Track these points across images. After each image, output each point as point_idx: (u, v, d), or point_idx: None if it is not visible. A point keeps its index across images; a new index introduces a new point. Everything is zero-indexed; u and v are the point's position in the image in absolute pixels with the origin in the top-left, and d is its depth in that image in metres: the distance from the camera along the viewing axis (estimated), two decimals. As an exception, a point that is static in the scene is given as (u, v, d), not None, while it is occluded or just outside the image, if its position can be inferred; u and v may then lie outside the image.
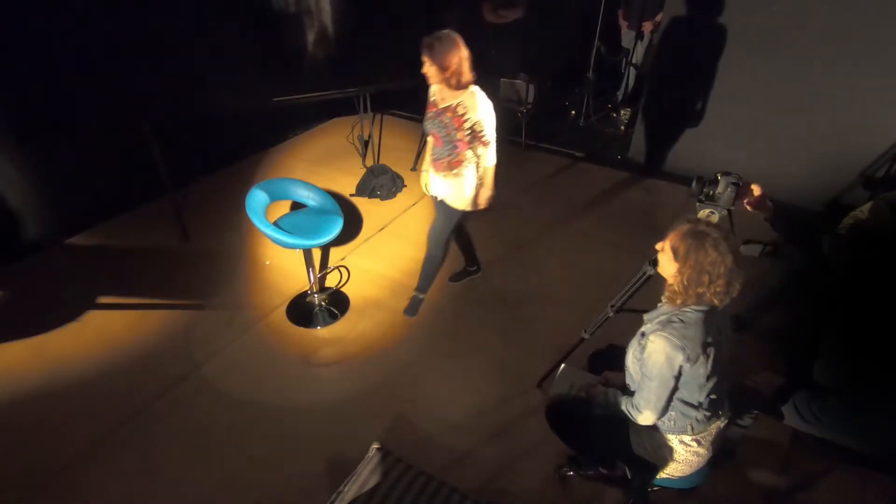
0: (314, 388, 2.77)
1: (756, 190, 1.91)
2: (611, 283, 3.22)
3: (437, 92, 2.67)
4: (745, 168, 2.39)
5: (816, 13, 3.60)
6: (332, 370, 2.89)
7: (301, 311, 3.22)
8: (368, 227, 4.00)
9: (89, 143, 3.73)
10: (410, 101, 5.30)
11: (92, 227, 3.87)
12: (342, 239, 3.51)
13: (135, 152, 3.74)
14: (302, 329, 3.11)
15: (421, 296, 3.22)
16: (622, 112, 5.64)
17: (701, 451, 1.80)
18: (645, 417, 1.77)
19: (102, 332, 3.04)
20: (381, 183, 4.32)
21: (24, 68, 3.34)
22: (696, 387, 1.69)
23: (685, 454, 1.80)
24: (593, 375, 2.19)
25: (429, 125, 2.72)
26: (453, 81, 2.51)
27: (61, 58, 3.45)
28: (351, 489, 1.80)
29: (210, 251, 3.70)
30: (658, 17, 5.06)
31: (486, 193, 2.82)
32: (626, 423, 1.87)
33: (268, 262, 3.62)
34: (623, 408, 1.85)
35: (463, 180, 2.73)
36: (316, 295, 3.20)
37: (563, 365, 2.26)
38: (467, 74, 2.52)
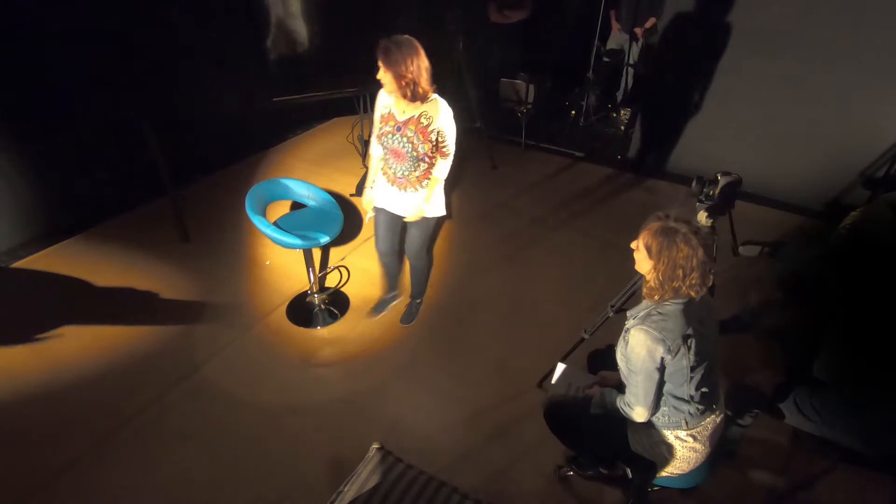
0: (314, 388, 2.77)
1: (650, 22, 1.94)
2: (611, 282, 3.21)
3: (393, 103, 2.46)
4: (745, 168, 2.39)
5: (817, 13, 3.60)
6: (332, 370, 2.89)
7: (301, 311, 3.22)
8: (368, 227, 4.00)
9: (89, 143, 3.73)
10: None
11: (92, 227, 3.87)
12: (342, 239, 3.51)
13: (135, 152, 3.75)
14: (302, 329, 3.11)
15: (418, 300, 3.21)
16: (622, 112, 5.64)
17: (698, 446, 1.81)
18: (638, 413, 1.79)
19: (102, 332, 3.04)
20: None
21: (24, 68, 3.34)
22: (683, 379, 1.72)
23: (682, 450, 1.81)
24: (591, 375, 2.20)
25: (388, 141, 2.49)
26: (409, 92, 2.32)
27: (61, 57, 3.45)
28: (351, 489, 1.80)
29: (210, 251, 3.70)
30: (649, 24, 5.07)
31: (423, 206, 2.61)
32: (623, 422, 1.88)
33: (268, 262, 3.62)
34: (618, 406, 1.86)
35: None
36: (316, 295, 3.20)
37: (561, 365, 2.26)
38: (426, 84, 2.33)
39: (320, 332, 3.11)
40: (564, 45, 6.02)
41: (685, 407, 1.77)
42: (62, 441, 2.45)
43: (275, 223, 2.89)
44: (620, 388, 1.92)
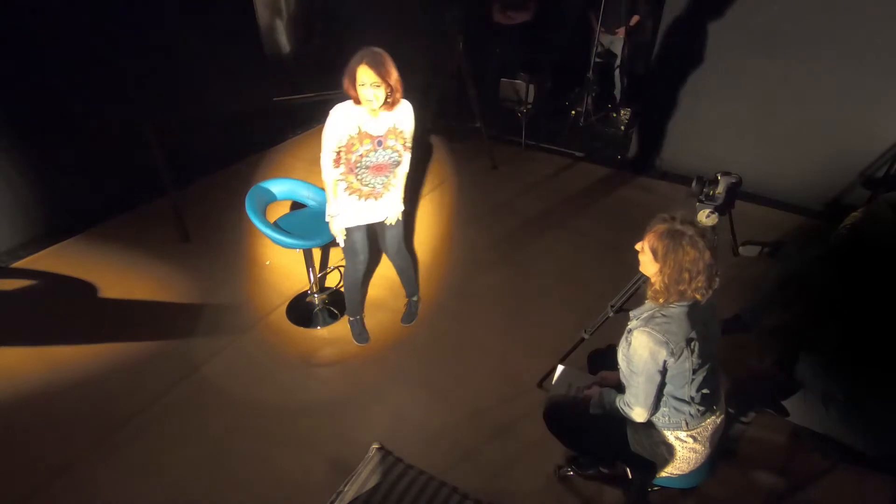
0: (314, 388, 2.77)
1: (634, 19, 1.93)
2: (610, 282, 3.21)
3: (364, 121, 2.34)
4: (745, 168, 2.39)
5: (817, 13, 3.60)
6: (332, 370, 2.89)
7: (301, 311, 3.22)
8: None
9: (89, 143, 3.73)
10: (410, 102, 5.30)
11: (92, 227, 3.87)
12: (342, 239, 3.50)
13: (135, 152, 3.75)
14: (302, 329, 3.11)
15: (415, 298, 3.19)
16: (622, 112, 5.64)
17: (698, 447, 1.81)
18: (637, 414, 1.78)
19: (102, 331, 3.04)
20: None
21: (25, 68, 3.34)
22: (684, 381, 1.71)
23: (682, 451, 1.81)
24: (591, 376, 2.20)
25: (370, 160, 2.40)
26: (391, 100, 2.29)
27: (61, 57, 3.45)
28: (351, 489, 1.79)
29: (210, 251, 3.70)
30: (633, 21, 5.07)
31: (400, 205, 2.66)
32: (623, 422, 1.87)
33: (268, 262, 3.62)
34: (618, 405, 1.86)
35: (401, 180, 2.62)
36: (316, 295, 3.20)
37: (560, 366, 2.26)
38: (401, 90, 2.31)
39: (320, 332, 3.11)
40: (564, 45, 6.03)
41: (686, 408, 1.76)
42: (62, 441, 2.45)
43: (275, 223, 2.89)
44: (620, 388, 1.92)
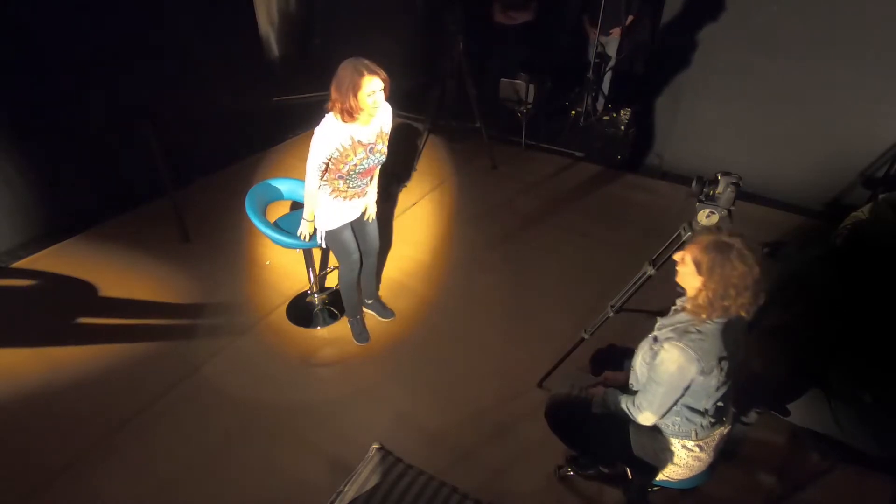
0: (314, 388, 2.77)
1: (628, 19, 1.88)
2: (611, 283, 3.21)
3: (357, 131, 2.36)
4: (745, 168, 2.38)
5: (816, 13, 3.60)
6: (332, 370, 2.89)
7: (301, 311, 3.22)
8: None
9: (89, 143, 3.73)
10: (410, 101, 5.31)
11: (92, 227, 3.87)
12: (342, 239, 3.50)
13: (135, 152, 3.74)
14: (302, 329, 3.11)
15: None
16: (622, 112, 5.64)
17: (703, 456, 1.80)
18: (645, 417, 1.77)
19: (102, 332, 3.04)
20: (381, 183, 4.32)
21: (24, 68, 3.34)
22: (704, 395, 1.68)
23: (687, 458, 1.80)
24: (594, 377, 2.19)
25: (363, 166, 2.43)
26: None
27: (61, 57, 3.44)
28: (351, 489, 1.79)
29: (210, 251, 3.70)
30: (627, 21, 5.07)
31: (376, 195, 2.78)
32: (626, 423, 1.86)
33: (268, 262, 3.62)
34: (623, 406, 1.84)
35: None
36: (316, 295, 3.20)
37: (562, 365, 2.26)
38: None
39: (320, 332, 3.11)
40: (565, 46, 6.02)
41: (698, 419, 1.74)
42: (62, 441, 2.45)
43: (275, 223, 2.89)
44: (625, 388, 1.91)
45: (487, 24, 5.53)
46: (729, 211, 2.04)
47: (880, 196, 3.21)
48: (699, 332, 1.61)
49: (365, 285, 3.06)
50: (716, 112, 4.24)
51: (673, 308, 1.84)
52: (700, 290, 1.60)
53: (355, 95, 2.21)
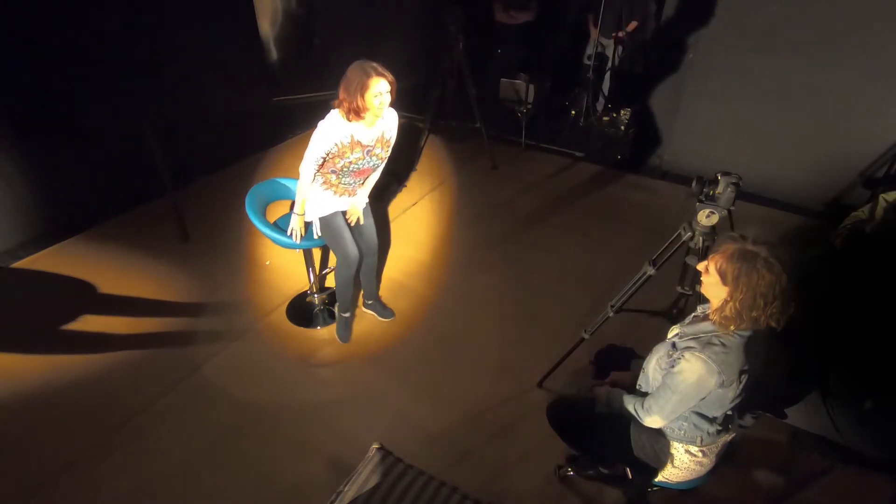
0: (314, 388, 2.77)
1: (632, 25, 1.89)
2: (611, 282, 3.22)
3: (358, 131, 2.42)
4: (745, 168, 2.39)
5: (816, 13, 3.60)
6: (331, 370, 2.89)
7: (301, 311, 3.22)
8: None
9: (89, 143, 3.73)
10: (410, 101, 5.31)
11: (92, 227, 3.87)
12: (342, 239, 3.50)
13: (135, 152, 3.74)
14: (302, 329, 3.11)
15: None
16: (622, 112, 5.64)
17: (705, 461, 1.79)
18: (653, 421, 1.75)
19: (102, 331, 3.04)
20: (381, 184, 4.32)
21: (24, 68, 3.34)
22: (718, 406, 1.66)
23: (689, 463, 1.79)
24: (595, 378, 2.19)
25: (357, 166, 2.50)
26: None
27: (61, 57, 3.44)
28: (351, 489, 1.79)
29: (210, 251, 3.70)
30: (630, 27, 5.07)
31: (366, 196, 2.80)
32: (628, 423, 1.86)
33: (268, 262, 3.62)
34: (630, 407, 1.83)
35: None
36: (316, 295, 3.20)
37: (563, 367, 2.26)
38: None
39: (320, 332, 3.11)
40: (565, 46, 6.02)
41: (706, 426, 1.72)
42: (62, 441, 2.45)
43: (275, 223, 2.89)
44: (630, 389, 1.91)
45: (487, 24, 5.53)
46: (729, 211, 2.04)
47: (881, 196, 3.21)
48: (723, 344, 1.57)
49: (365, 286, 3.07)
50: (716, 112, 4.24)
51: (693, 315, 1.81)
52: (727, 301, 1.55)
53: (363, 96, 2.29)
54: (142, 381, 2.74)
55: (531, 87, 5.43)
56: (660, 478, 1.87)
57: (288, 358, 2.93)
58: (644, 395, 1.83)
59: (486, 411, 2.62)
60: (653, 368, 1.78)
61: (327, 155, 2.43)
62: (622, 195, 4.45)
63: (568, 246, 3.81)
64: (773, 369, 2.61)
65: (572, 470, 2.30)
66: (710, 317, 1.63)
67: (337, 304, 3.01)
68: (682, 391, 1.63)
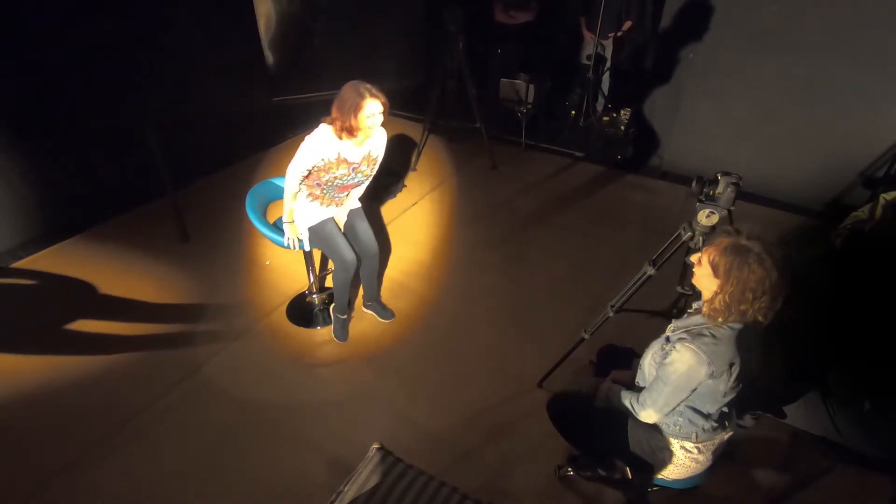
0: (314, 388, 2.77)
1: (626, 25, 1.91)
2: (611, 282, 3.22)
3: (345, 148, 2.48)
4: (745, 168, 2.39)
5: (816, 13, 3.60)
6: (331, 370, 2.89)
7: (301, 311, 3.22)
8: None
9: (89, 143, 3.73)
10: (410, 101, 5.31)
11: (92, 227, 3.86)
12: (342, 239, 3.50)
13: (135, 152, 3.74)
14: (302, 329, 3.11)
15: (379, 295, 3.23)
16: (622, 112, 5.64)
17: (700, 458, 1.80)
18: (647, 415, 1.77)
19: (102, 332, 3.04)
20: (381, 184, 4.33)
21: (24, 68, 3.33)
22: (711, 400, 1.68)
23: (684, 459, 1.80)
24: (596, 377, 2.19)
25: (342, 181, 2.55)
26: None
27: (61, 57, 3.44)
28: (351, 489, 1.79)
29: (210, 251, 3.70)
30: (625, 27, 5.07)
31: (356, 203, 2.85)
32: (626, 420, 1.86)
33: (268, 262, 3.62)
34: (626, 402, 1.84)
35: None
36: (316, 295, 3.20)
37: (562, 366, 2.26)
38: None
39: (320, 332, 3.11)
40: (565, 46, 6.02)
41: (700, 422, 1.74)
42: (62, 441, 2.45)
43: (275, 223, 2.89)
44: (630, 387, 1.91)
45: (487, 24, 5.53)
46: (729, 211, 2.04)
47: (881, 195, 3.21)
48: (713, 335, 1.60)
49: (366, 287, 3.08)
50: (716, 112, 4.24)
51: (688, 311, 1.85)
52: (716, 294, 1.58)
53: (356, 116, 2.34)
54: (142, 381, 2.74)
55: (531, 87, 5.42)
56: (657, 475, 1.87)
57: (288, 358, 2.93)
58: (641, 390, 1.84)
59: (486, 411, 2.62)
60: (648, 363, 1.80)
61: (313, 168, 2.50)
62: (622, 195, 4.45)
63: (568, 246, 3.81)
64: (773, 369, 2.63)
65: (572, 470, 2.30)
66: (702, 309, 1.67)
67: (333, 306, 3.01)
68: (672, 382, 1.65)
